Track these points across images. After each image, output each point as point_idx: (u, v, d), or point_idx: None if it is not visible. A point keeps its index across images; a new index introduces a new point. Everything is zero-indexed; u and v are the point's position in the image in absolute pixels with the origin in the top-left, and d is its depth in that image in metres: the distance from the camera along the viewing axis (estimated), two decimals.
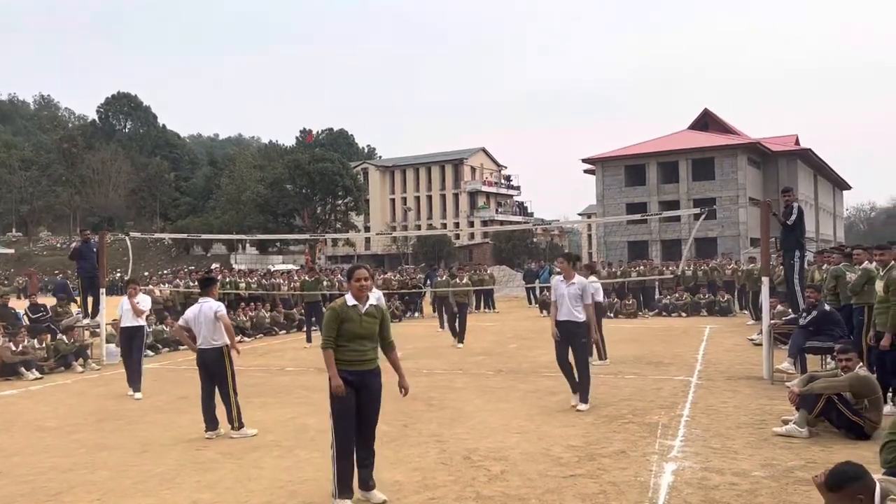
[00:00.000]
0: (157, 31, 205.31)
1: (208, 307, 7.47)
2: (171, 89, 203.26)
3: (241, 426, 7.31)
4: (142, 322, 10.18)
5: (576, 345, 8.22)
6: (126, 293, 10.32)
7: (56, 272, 59.15)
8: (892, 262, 7.59)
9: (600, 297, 12.21)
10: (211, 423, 7.35)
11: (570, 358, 8.26)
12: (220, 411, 7.39)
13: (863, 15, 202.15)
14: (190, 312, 7.67)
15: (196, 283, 18.62)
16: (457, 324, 15.08)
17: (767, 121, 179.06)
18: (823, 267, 11.13)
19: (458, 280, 18.02)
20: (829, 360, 9.18)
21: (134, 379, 9.86)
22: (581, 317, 8.14)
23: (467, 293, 16.82)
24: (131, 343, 10.03)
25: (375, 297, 10.50)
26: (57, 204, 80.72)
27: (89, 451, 6.85)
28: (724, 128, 52.42)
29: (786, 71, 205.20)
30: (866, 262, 8.76)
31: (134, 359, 9.94)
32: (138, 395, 9.73)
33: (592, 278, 12.24)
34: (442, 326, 18.50)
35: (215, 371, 7.40)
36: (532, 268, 30.51)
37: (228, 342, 7.45)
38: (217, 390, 7.44)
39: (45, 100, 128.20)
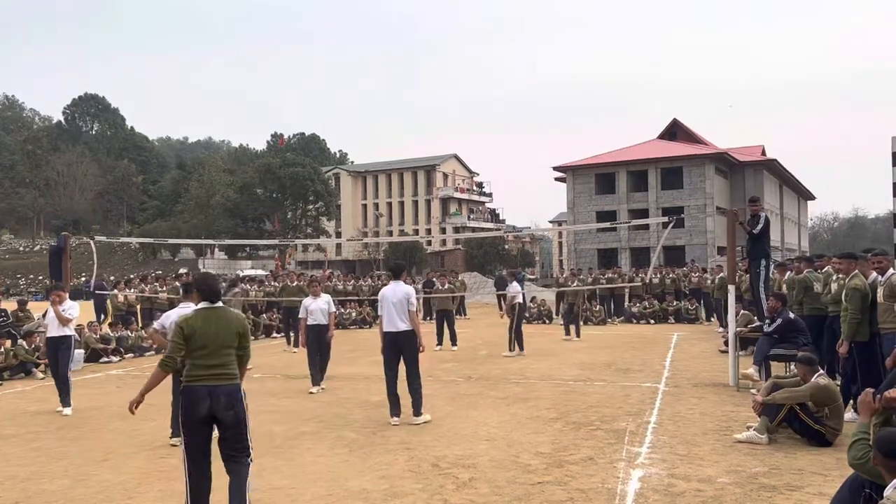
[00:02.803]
0: (125, 32, 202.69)
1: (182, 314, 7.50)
2: (139, 91, 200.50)
3: None
4: (69, 331, 9.24)
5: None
6: (50, 300, 9.36)
7: (18, 276, 57.92)
8: (856, 271, 7.74)
9: (520, 299, 14.65)
10: (177, 429, 7.23)
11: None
12: None
13: (828, 30, 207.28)
14: (168, 318, 7.63)
15: (164, 290, 18.43)
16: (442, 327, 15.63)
17: (735, 131, 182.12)
18: (786, 276, 11.34)
19: (439, 286, 18.11)
20: (793, 366, 9.33)
21: (64, 393, 9.08)
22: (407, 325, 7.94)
23: (449, 299, 17.16)
24: (57, 355, 9.17)
25: (325, 300, 10.76)
26: (20, 206, 79.23)
27: (49, 459, 6.69)
28: (692, 138, 53.23)
29: (753, 82, 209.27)
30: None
31: (60, 373, 9.11)
32: (67, 410, 8.96)
33: (515, 285, 14.97)
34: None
35: None
36: (503, 274, 30.57)
37: None
38: None
39: (10, 100, 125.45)
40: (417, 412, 7.95)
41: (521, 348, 14.14)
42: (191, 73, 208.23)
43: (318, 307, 10.89)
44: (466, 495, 5.31)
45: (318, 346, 10.59)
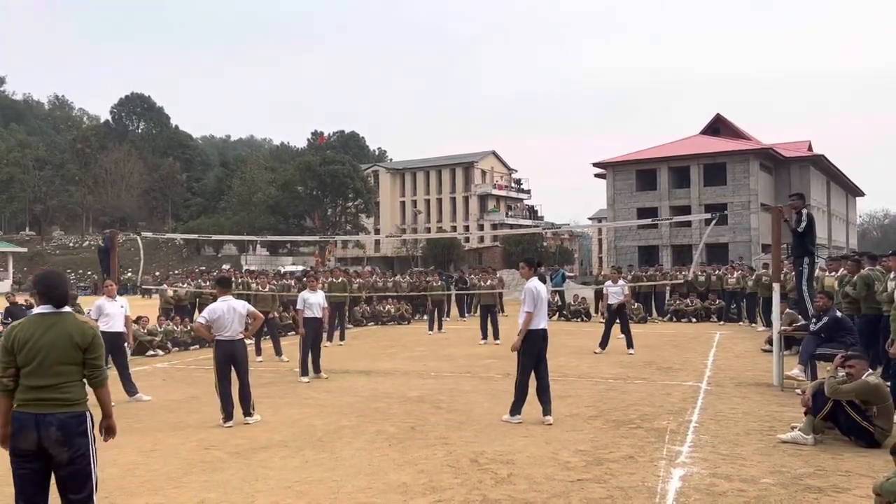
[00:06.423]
0: (170, 33, 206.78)
1: (240, 304, 8.10)
2: (184, 91, 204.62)
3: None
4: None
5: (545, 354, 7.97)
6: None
7: (68, 271, 59.63)
8: None
9: (620, 298, 14.34)
10: (231, 414, 7.81)
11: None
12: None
13: (878, 21, 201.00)
14: (214, 311, 7.92)
15: (208, 284, 18.76)
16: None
17: (780, 126, 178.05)
18: (839, 272, 11.08)
19: (482, 283, 18.39)
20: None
21: (131, 382, 9.72)
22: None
23: (494, 295, 17.41)
24: (122, 348, 9.88)
25: (321, 295, 10.81)
26: (70, 203, 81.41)
27: (99, 448, 6.86)
28: (736, 133, 52.18)
29: (799, 76, 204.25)
30: None
31: (125, 364, 9.83)
32: (146, 396, 9.67)
33: (621, 281, 14.91)
34: (431, 329, 18.91)
35: (242, 359, 7.95)
36: (542, 271, 30.48)
37: (245, 333, 8.14)
38: (238, 379, 7.91)
39: (60, 100, 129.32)
40: (549, 411, 7.79)
41: (604, 347, 13.88)
42: (233, 73, 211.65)
43: (316, 301, 11.14)
44: (505, 491, 5.32)
45: (314, 338, 11.10)
